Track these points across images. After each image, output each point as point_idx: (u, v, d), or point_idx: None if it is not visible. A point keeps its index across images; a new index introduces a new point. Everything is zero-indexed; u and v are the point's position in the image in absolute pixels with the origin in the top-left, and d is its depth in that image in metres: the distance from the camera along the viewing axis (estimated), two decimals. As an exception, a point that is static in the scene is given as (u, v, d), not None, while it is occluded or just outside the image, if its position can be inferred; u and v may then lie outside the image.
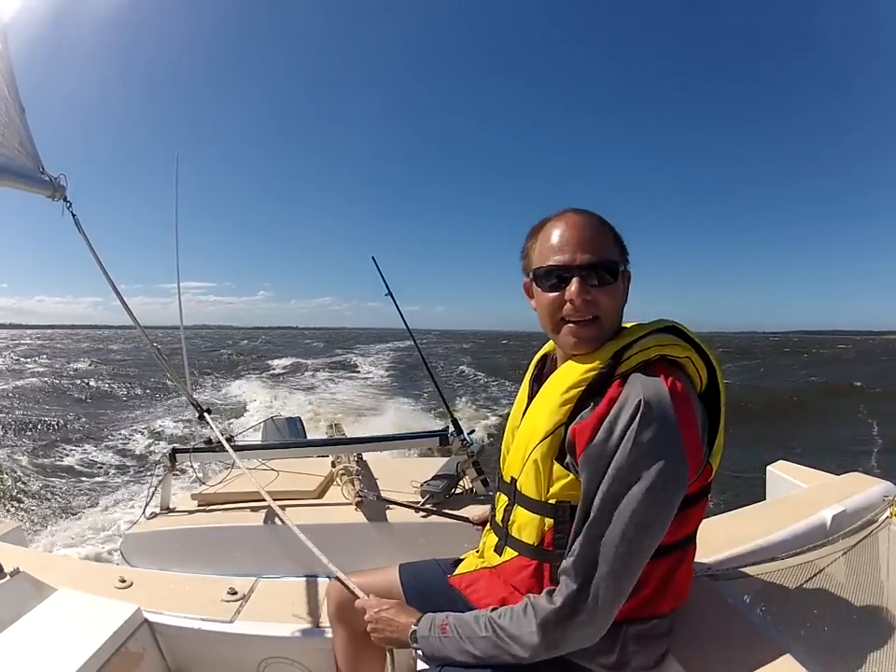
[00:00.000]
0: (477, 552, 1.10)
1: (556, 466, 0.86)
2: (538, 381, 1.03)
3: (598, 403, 0.81)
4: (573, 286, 0.85)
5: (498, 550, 0.99)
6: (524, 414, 0.99)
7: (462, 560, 1.13)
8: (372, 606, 0.98)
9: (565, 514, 0.85)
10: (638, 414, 0.76)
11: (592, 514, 0.79)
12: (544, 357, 1.06)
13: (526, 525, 0.91)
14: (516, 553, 0.93)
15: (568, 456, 0.84)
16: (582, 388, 0.84)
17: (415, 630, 0.90)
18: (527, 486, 0.90)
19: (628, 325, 0.92)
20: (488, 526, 1.09)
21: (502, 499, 1.00)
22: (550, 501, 0.87)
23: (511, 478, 0.96)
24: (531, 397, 1.00)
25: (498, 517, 1.01)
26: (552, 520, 0.87)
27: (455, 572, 1.09)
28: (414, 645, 0.90)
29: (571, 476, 0.84)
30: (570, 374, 0.87)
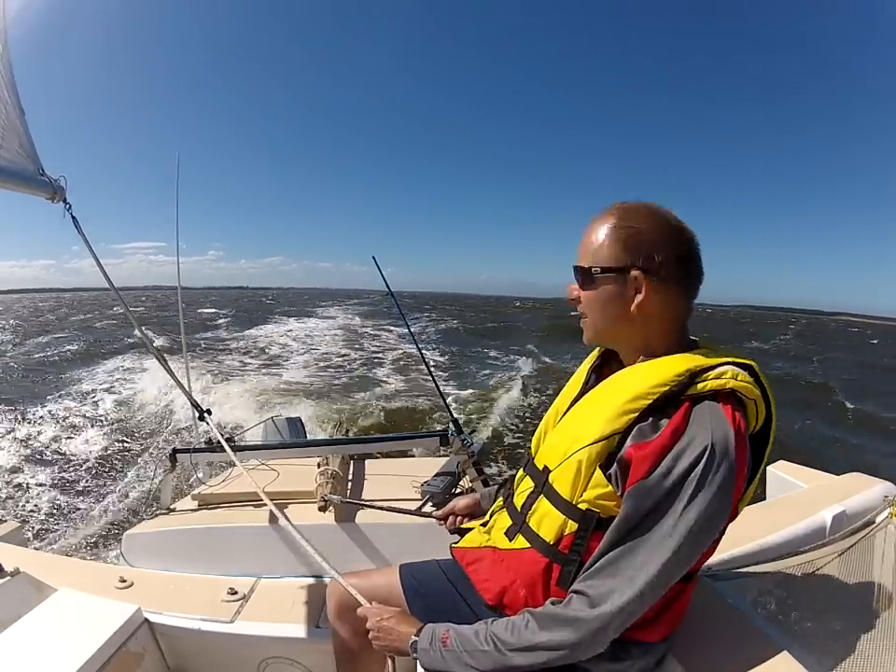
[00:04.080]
0: (483, 525, 1.07)
1: (598, 473, 0.82)
2: (597, 371, 0.99)
3: (661, 426, 0.78)
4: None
5: (510, 534, 0.94)
6: (573, 402, 0.96)
7: (468, 531, 1.12)
8: (374, 614, 0.97)
9: (590, 523, 0.83)
10: (703, 459, 0.73)
11: (625, 543, 0.77)
12: (605, 351, 1.01)
13: (548, 521, 0.87)
14: (529, 545, 0.90)
15: (615, 467, 0.81)
16: (649, 401, 0.79)
17: (416, 641, 0.89)
18: (561, 483, 0.86)
19: (703, 348, 0.88)
20: (500, 502, 1.05)
21: (527, 483, 0.96)
22: (580, 505, 0.83)
23: (545, 466, 0.91)
24: (586, 386, 0.97)
25: (518, 501, 0.97)
26: (576, 524, 0.84)
27: (460, 543, 1.07)
28: (414, 655, 0.89)
29: (610, 488, 0.81)
30: (639, 381, 0.82)
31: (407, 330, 2.73)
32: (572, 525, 0.84)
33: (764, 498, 1.98)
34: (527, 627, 0.81)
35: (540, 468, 0.93)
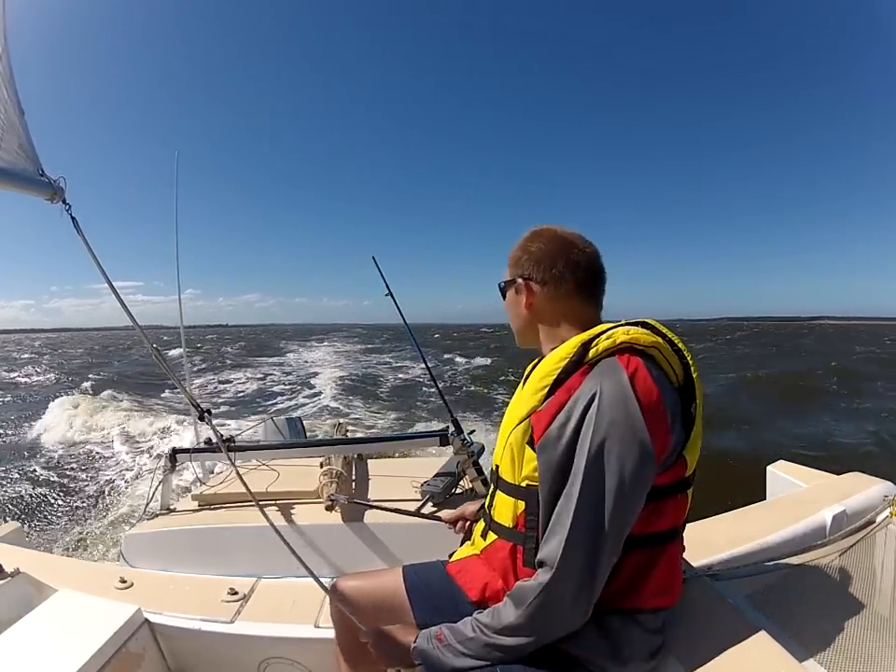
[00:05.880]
0: (472, 542, 1.13)
1: (528, 450, 0.89)
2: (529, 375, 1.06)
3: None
4: None
5: (484, 534, 1.04)
6: None
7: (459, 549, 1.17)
8: (374, 634, 0.99)
9: (534, 497, 0.89)
10: (595, 402, 0.80)
11: (556, 500, 0.82)
12: (540, 356, 1.08)
13: (503, 508, 0.95)
14: (496, 536, 0.98)
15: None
16: (554, 376, 0.88)
17: (415, 647, 0.92)
18: (505, 470, 0.95)
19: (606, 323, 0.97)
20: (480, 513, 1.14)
21: (491, 486, 1.05)
22: (522, 484, 0.91)
23: (496, 465, 1.00)
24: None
25: (486, 503, 1.06)
26: (524, 502, 0.91)
27: (451, 559, 1.13)
28: (417, 661, 0.92)
29: None
30: (545, 365, 0.92)
31: (406, 330, 2.72)
32: (520, 505, 0.91)
33: (764, 498, 1.98)
34: (505, 607, 0.85)
35: (494, 468, 1.02)
